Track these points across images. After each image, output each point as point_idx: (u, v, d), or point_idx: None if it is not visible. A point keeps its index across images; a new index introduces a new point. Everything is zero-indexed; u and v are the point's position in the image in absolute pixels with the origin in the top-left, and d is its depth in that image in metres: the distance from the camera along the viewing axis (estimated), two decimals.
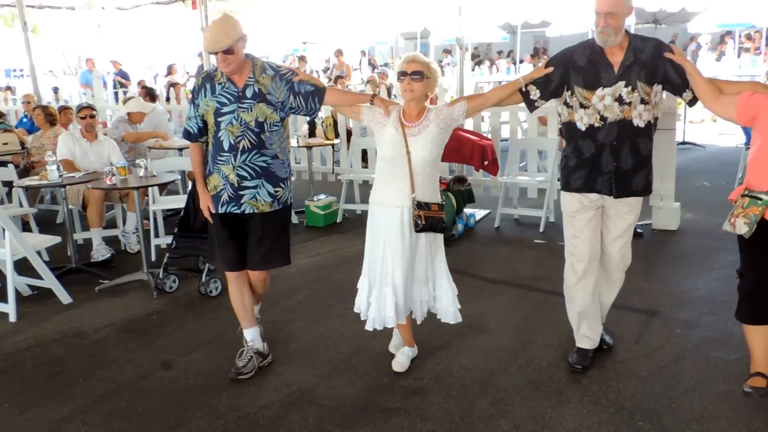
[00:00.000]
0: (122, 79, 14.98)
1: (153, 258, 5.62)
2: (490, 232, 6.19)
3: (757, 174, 3.02)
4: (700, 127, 12.16)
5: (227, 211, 3.42)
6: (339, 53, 16.72)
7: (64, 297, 4.72)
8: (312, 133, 7.16)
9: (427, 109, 3.33)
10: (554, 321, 4.06)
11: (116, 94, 12.75)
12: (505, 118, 7.88)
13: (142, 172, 5.04)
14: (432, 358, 3.66)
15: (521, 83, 3.36)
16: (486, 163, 5.95)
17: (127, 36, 15.24)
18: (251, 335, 3.64)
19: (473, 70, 15.61)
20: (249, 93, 3.33)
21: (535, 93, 3.36)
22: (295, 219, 6.78)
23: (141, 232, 5.07)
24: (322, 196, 6.74)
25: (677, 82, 3.16)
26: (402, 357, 3.58)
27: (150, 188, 5.59)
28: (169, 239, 5.16)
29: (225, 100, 3.32)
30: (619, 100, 3.15)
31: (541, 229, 6.06)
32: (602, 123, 3.19)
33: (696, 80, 3.11)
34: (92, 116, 5.98)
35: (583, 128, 3.24)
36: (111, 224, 6.36)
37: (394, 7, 12.12)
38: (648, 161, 3.29)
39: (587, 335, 3.51)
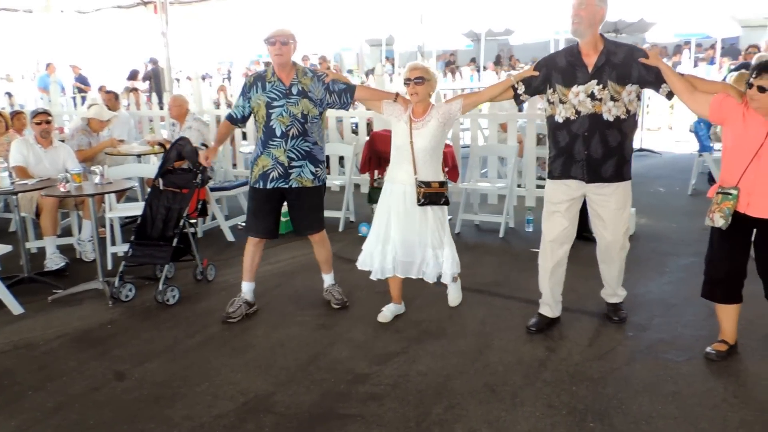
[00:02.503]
0: (81, 84, 14.70)
1: (109, 267, 5.53)
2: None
3: (727, 171, 3.39)
4: (657, 135, 12.45)
5: (275, 186, 4.16)
6: (305, 59, 16.66)
7: (15, 308, 4.60)
8: None
9: (431, 106, 3.99)
10: (511, 325, 4.11)
11: (74, 99, 12.49)
12: (466, 125, 7.96)
13: (97, 179, 4.94)
14: (389, 364, 3.67)
15: (512, 81, 3.90)
16: (446, 169, 5.98)
17: (87, 40, 14.96)
18: (246, 287, 4.39)
19: (445, 76, 15.71)
20: (294, 90, 4.08)
21: (521, 89, 3.87)
22: None
23: (96, 240, 4.97)
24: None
25: (651, 80, 3.60)
26: (386, 311, 4.25)
27: (107, 195, 5.50)
28: (126, 247, 5.08)
29: (275, 96, 4.07)
30: (591, 96, 3.60)
31: (501, 235, 6.13)
32: (576, 116, 3.66)
33: (670, 78, 3.50)
34: (47, 122, 5.85)
35: (561, 120, 3.72)
36: (66, 232, 6.23)
37: (359, 13, 12.15)
38: (617, 151, 3.68)
39: (546, 303, 4.06)
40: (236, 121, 4.27)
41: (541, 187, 7.12)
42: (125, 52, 16.49)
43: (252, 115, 4.23)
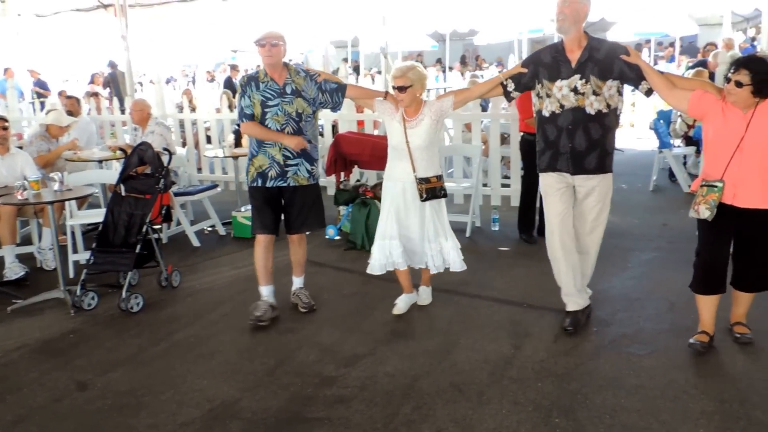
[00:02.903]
0: (40, 89, 14.39)
1: (71, 275, 5.42)
2: None
3: (710, 165, 3.51)
4: (619, 132, 12.62)
5: (274, 185, 4.18)
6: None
7: None
8: (238, 143, 7.06)
9: (424, 103, 4.08)
10: (477, 324, 4.14)
11: (33, 104, 12.23)
12: None
13: (56, 186, 4.84)
14: (357, 366, 3.67)
15: (501, 78, 4.03)
16: None
17: (46, 44, 14.65)
18: (266, 291, 4.38)
19: None
20: (288, 90, 4.12)
21: (511, 86, 4.00)
22: (222, 230, 6.68)
23: (56, 248, 4.86)
24: (249, 207, 6.63)
25: (632, 77, 3.72)
26: (400, 303, 4.37)
27: (67, 202, 5.39)
28: (88, 255, 4.98)
29: (269, 95, 4.10)
30: (574, 90, 3.73)
31: (467, 234, 6.17)
32: (561, 110, 3.79)
33: (650, 76, 3.64)
34: (4, 128, 5.72)
35: (547, 114, 3.85)
36: (26, 240, 6.09)
37: (323, 15, 12.11)
38: (600, 144, 3.80)
39: (570, 295, 4.03)
40: (250, 118, 4.15)
41: (507, 186, 7.26)
42: (85, 56, 16.19)
43: None
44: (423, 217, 4.15)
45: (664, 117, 8.07)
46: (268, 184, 4.20)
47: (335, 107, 4.34)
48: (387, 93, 4.18)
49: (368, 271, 4.22)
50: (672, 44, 17.29)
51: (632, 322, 4.08)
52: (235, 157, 6.94)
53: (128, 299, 4.61)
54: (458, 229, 6.32)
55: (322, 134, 8.07)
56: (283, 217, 4.35)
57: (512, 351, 3.77)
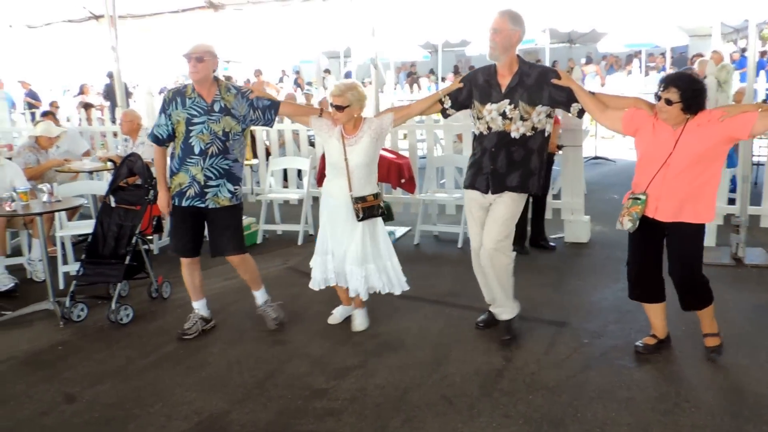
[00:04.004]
0: (32, 99, 14.35)
1: (61, 286, 5.38)
2: (410, 249, 6.25)
3: (638, 178, 3.58)
4: (611, 143, 12.71)
5: (191, 204, 4.04)
6: (258, 73, 16.63)
7: None
8: None
9: (363, 120, 4.03)
10: (468, 336, 4.13)
11: (25, 115, 12.19)
12: (422, 135, 8.02)
13: (45, 197, 4.81)
14: (347, 378, 3.65)
15: (440, 95, 4.03)
16: (403, 181, 6.02)
17: (38, 55, 14.62)
18: (198, 305, 4.35)
19: (395, 88, 15.82)
20: (217, 107, 3.99)
21: (447, 102, 4.04)
22: None
23: (46, 259, 4.83)
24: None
25: (563, 100, 3.75)
26: (336, 313, 4.39)
27: (57, 213, 5.36)
28: (77, 266, 4.95)
29: (195, 113, 3.97)
30: (503, 114, 3.77)
31: (459, 245, 6.17)
32: (488, 131, 3.83)
33: (582, 98, 3.70)
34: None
35: (477, 134, 3.94)
36: (16, 252, 6.05)
37: (316, 26, 12.14)
38: (522, 165, 3.82)
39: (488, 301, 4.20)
40: (163, 141, 4.09)
41: None
42: (78, 67, 16.16)
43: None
44: (351, 239, 4.05)
45: None
46: (184, 203, 4.05)
47: (267, 124, 4.20)
48: (322, 110, 4.13)
49: (309, 286, 4.22)
50: (663, 55, 17.41)
51: (624, 334, 4.07)
52: None
53: (118, 311, 4.58)
54: (450, 240, 6.36)
55: (313, 144, 8.06)
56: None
57: (503, 363, 3.76)
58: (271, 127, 4.39)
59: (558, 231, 6.37)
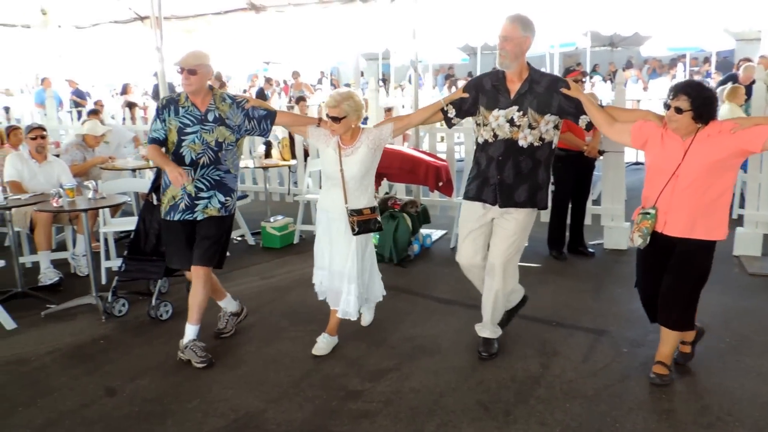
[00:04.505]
0: (78, 98, 14.73)
1: (103, 281, 5.50)
2: (446, 253, 6.22)
3: (648, 192, 3.48)
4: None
5: (182, 218, 3.89)
6: (296, 75, 16.78)
7: (7, 322, 4.58)
8: (268, 153, 7.13)
9: (361, 131, 3.86)
10: (504, 341, 4.09)
11: (71, 113, 12.51)
12: (461, 138, 7.98)
13: (90, 194, 4.94)
14: (382, 380, 3.65)
15: (442, 104, 3.87)
16: (440, 184, 6.00)
17: (85, 55, 15.00)
18: (223, 303, 4.34)
19: (434, 88, 15.82)
20: (211, 117, 3.85)
21: (452, 112, 3.87)
22: (251, 240, 6.73)
23: (89, 254, 4.95)
24: (279, 217, 6.69)
25: (572, 111, 3.64)
26: (320, 342, 4.06)
27: (101, 210, 5.49)
28: (120, 262, 5.05)
29: (188, 122, 3.83)
30: (511, 121, 3.64)
31: None
32: (494, 139, 3.69)
33: (590, 110, 3.57)
34: (42, 137, 5.86)
35: (481, 142, 3.77)
36: (61, 247, 6.21)
37: (354, 27, 12.22)
38: (529, 178, 3.70)
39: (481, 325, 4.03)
40: (163, 143, 3.88)
41: None
42: (123, 66, 16.54)
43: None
44: (346, 254, 3.87)
45: None
46: (176, 217, 3.90)
47: (263, 134, 4.05)
48: (320, 119, 3.98)
49: (320, 297, 4.15)
50: (708, 59, 17.02)
51: None
52: (265, 168, 7.01)
53: (158, 307, 4.66)
54: None
55: None
56: None
57: (540, 370, 3.72)
58: (267, 137, 4.27)
59: (597, 237, 6.27)
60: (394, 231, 5.83)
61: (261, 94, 14.41)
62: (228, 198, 3.95)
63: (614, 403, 3.33)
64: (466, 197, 3.87)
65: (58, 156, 6.47)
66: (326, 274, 3.99)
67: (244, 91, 18.01)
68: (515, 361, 3.83)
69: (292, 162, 7.32)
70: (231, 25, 10.24)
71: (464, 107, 3.82)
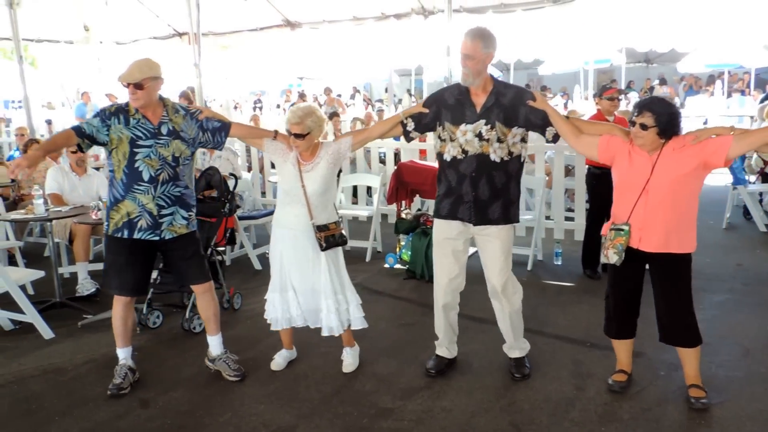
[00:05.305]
0: None
1: None
2: (477, 270, 6.14)
3: (618, 208, 3.47)
4: None
5: (143, 237, 3.69)
6: (328, 91, 16.94)
7: (45, 332, 4.68)
8: None
9: (320, 145, 3.80)
10: (538, 362, 4.03)
11: None
12: None
13: None
14: (414, 399, 3.63)
15: (401, 117, 3.80)
16: None
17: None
18: (124, 353, 3.94)
19: None
20: (164, 130, 3.68)
21: (410, 125, 3.78)
22: None
23: None
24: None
25: (538, 123, 3.59)
26: (279, 358, 4.08)
27: None
28: (155, 274, 5.13)
29: (141, 134, 3.62)
30: (479, 136, 3.56)
31: (528, 268, 6.06)
32: (464, 155, 3.60)
33: (557, 122, 3.54)
34: (82, 150, 6.00)
35: (449, 159, 3.66)
36: (99, 258, 6.32)
37: (388, 44, 12.33)
38: (504, 193, 3.65)
39: (442, 344, 4.01)
40: (83, 135, 3.59)
41: (570, 219, 7.11)
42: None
43: (105, 145, 3.67)
44: (318, 269, 3.80)
45: None
46: (136, 236, 3.67)
47: (216, 147, 3.90)
48: (277, 132, 3.86)
49: (272, 328, 4.02)
50: (746, 75, 16.72)
51: (703, 368, 3.85)
52: None
53: (191, 319, 4.71)
54: (520, 262, 6.25)
55: (383, 162, 8.10)
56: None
57: (574, 392, 3.65)
58: (221, 149, 4.15)
59: None
60: (426, 247, 5.81)
61: None
62: (190, 213, 3.84)
63: (651, 427, 3.25)
64: (439, 216, 3.77)
65: (97, 169, 6.62)
66: (293, 294, 3.88)
67: (278, 106, 18.25)
68: (549, 382, 3.78)
69: None
70: (266, 41, 10.42)
71: (424, 121, 3.74)
